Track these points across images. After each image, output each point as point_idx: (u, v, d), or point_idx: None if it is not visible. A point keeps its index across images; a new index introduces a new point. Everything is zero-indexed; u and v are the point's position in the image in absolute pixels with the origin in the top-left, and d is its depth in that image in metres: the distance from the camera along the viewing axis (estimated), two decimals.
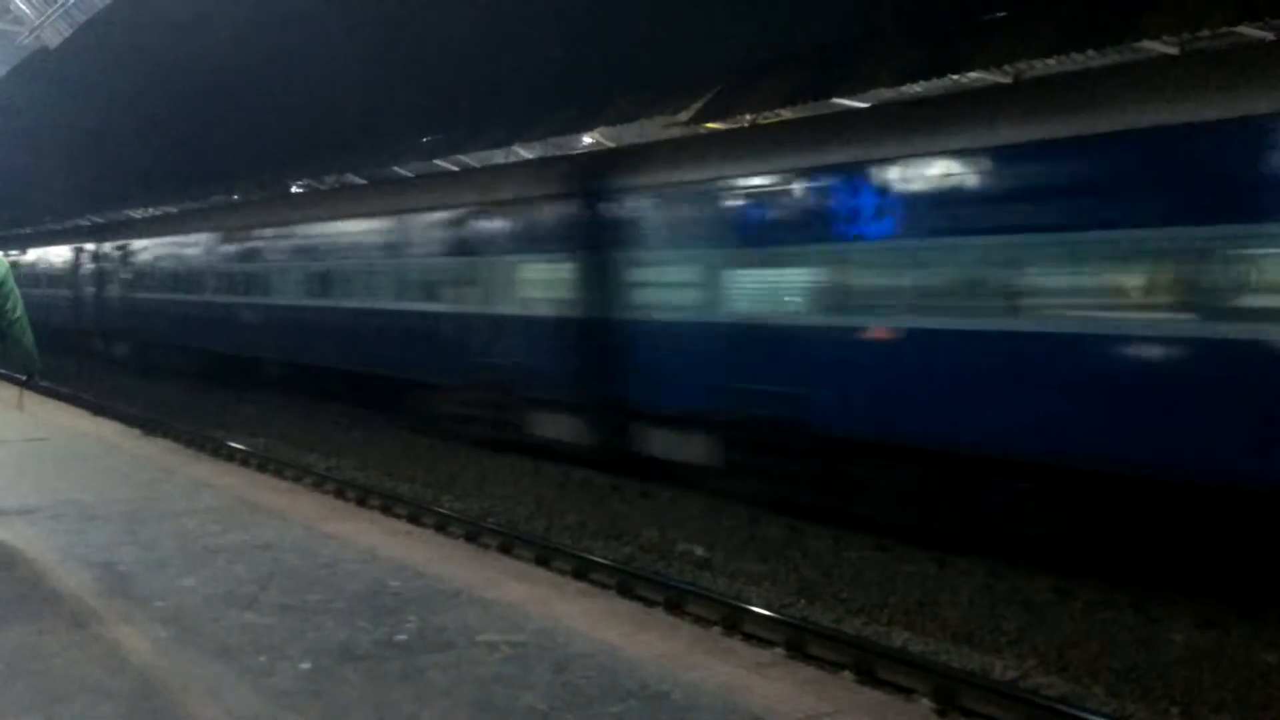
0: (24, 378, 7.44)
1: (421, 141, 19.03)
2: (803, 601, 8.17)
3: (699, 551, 9.08)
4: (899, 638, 7.37)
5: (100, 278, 27.17)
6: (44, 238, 33.97)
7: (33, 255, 33.01)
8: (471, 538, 9.71)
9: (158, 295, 23.72)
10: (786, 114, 12.33)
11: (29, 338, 6.96)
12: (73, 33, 14.05)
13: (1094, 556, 8.34)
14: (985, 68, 11.21)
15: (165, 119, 18.62)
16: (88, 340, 27.91)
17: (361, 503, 10.97)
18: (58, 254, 30.89)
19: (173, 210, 28.01)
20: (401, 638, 4.74)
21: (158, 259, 23.83)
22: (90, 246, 27.97)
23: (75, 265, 29.10)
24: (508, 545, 9.47)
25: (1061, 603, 7.93)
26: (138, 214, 30.03)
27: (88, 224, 32.77)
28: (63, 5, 13.83)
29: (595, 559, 9.02)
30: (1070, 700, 6.22)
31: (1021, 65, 10.76)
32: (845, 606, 8.04)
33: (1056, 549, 8.52)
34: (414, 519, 10.22)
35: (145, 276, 24.50)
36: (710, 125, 13.31)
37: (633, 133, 16.45)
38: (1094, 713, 5.96)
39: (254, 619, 4.97)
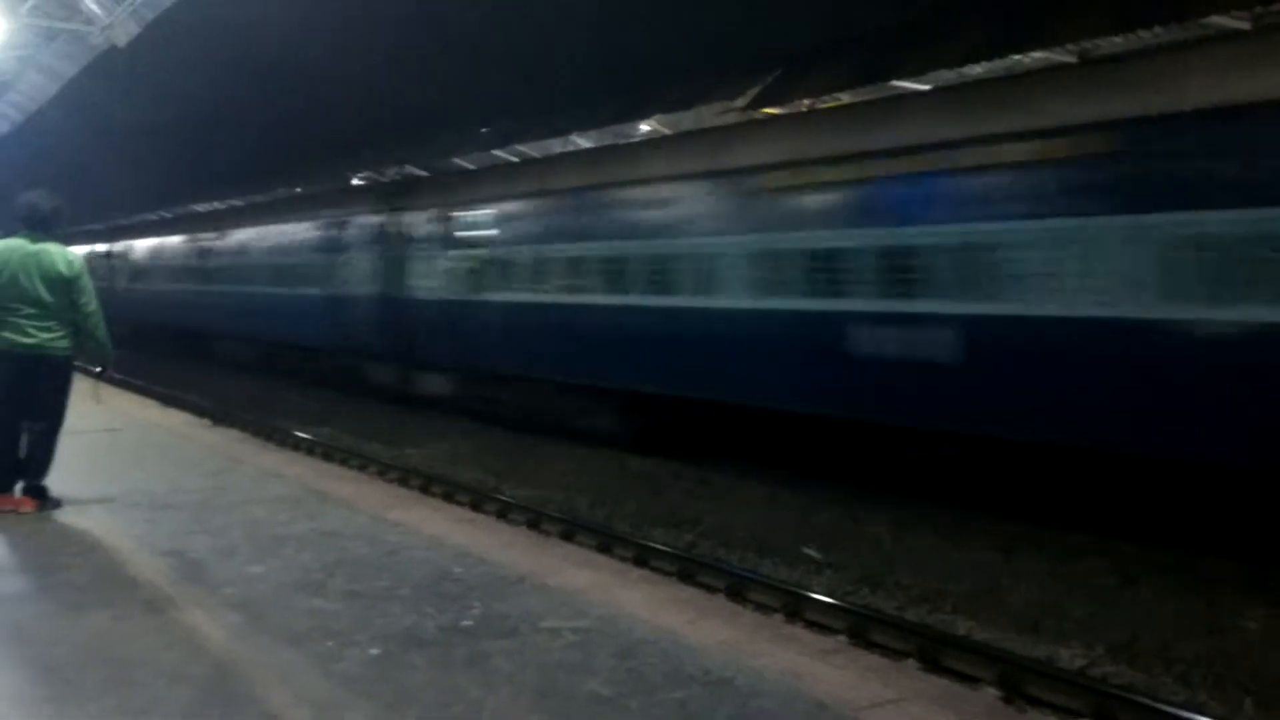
0: (98, 370, 7.62)
1: (480, 132, 19.17)
2: (864, 589, 8.13)
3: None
4: (963, 625, 7.31)
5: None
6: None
7: (142, 248, 31.03)
8: (533, 525, 9.80)
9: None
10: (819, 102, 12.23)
11: (103, 330, 7.13)
12: (141, 31, 14.33)
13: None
14: (1048, 47, 11.01)
15: (231, 114, 18.93)
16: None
17: (424, 490, 11.10)
18: (172, 246, 28.71)
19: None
20: (466, 624, 4.80)
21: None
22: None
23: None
24: (569, 533, 9.53)
25: (1130, 589, 7.81)
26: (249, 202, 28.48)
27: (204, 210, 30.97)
28: (131, 4, 14.11)
29: (656, 546, 9.05)
30: (1139, 689, 6.12)
31: (1086, 44, 10.55)
32: (908, 594, 7.99)
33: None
34: (476, 506, 10.32)
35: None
36: (768, 110, 13.23)
37: (689, 119, 16.40)
38: (1164, 702, 5.86)
39: (322, 605, 5.06)
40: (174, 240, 28.65)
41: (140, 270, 30.98)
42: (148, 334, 29.46)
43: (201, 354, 26.51)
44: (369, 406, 17.97)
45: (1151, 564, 8.14)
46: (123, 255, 32.62)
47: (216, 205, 30.73)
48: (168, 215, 32.35)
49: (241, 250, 24.03)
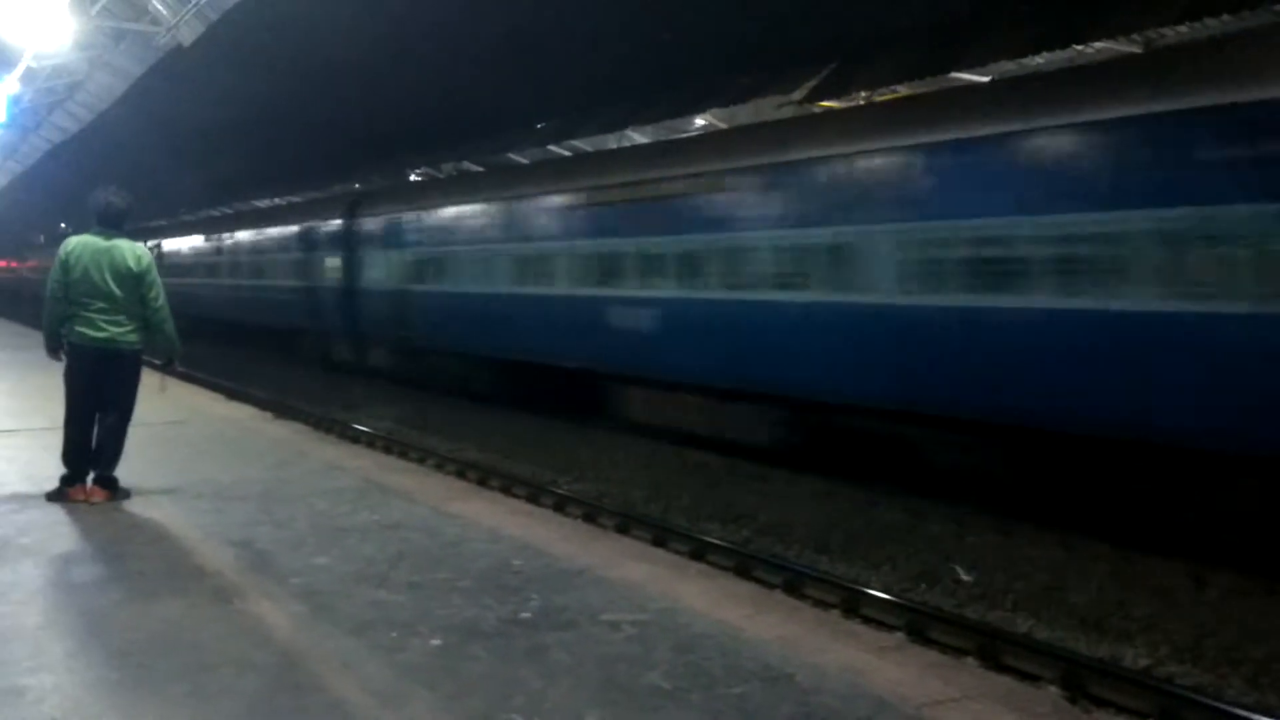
0: (163, 362, 7.78)
1: (536, 128, 19.28)
2: (923, 586, 8.07)
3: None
4: (1024, 623, 7.23)
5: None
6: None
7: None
8: (589, 518, 9.85)
9: None
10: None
11: (170, 325, 7.28)
12: (205, 30, 14.57)
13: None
14: (1112, 37, 10.81)
15: (290, 113, 19.22)
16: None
17: (482, 483, 11.19)
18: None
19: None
20: (526, 616, 4.84)
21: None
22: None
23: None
24: (625, 526, 9.57)
25: (1196, 589, 7.67)
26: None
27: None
28: (195, 4, 14.36)
29: (713, 540, 9.06)
30: (1206, 690, 6.01)
31: (1151, 34, 10.35)
32: (968, 591, 7.92)
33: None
34: (533, 499, 10.40)
35: None
36: (825, 104, 13.15)
37: (747, 112, 16.34)
38: (1232, 704, 5.76)
39: (385, 596, 5.13)
40: (195, 239, 32.79)
41: (169, 265, 33.30)
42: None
43: (217, 339, 28.28)
44: (427, 400, 18.18)
45: (1217, 564, 7.98)
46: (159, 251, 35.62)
47: (227, 210, 34.92)
48: (190, 218, 36.41)
49: (237, 250, 28.58)
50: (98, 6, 16.81)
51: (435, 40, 13.24)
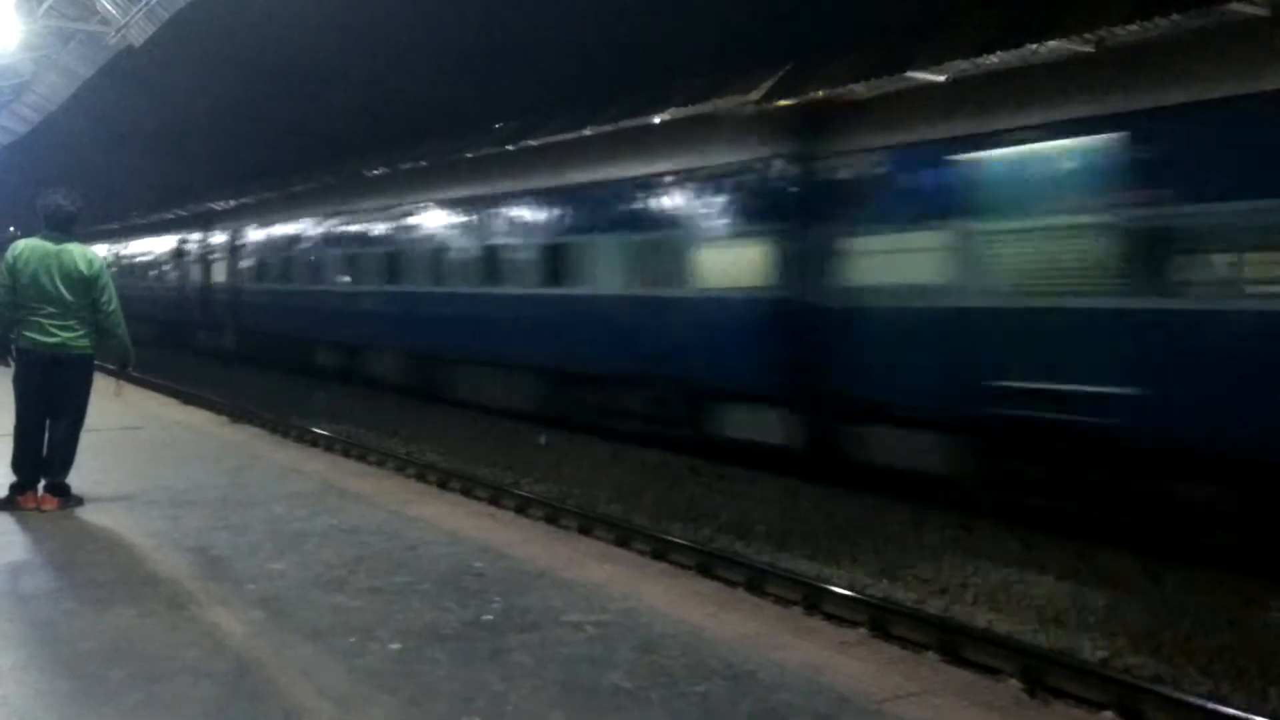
0: (118, 367, 7.65)
1: (494, 127, 19.22)
2: (885, 581, 8.12)
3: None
4: (984, 617, 7.29)
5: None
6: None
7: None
8: (551, 520, 9.80)
9: None
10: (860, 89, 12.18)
11: (123, 329, 7.17)
12: (156, 30, 14.38)
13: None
14: (1065, 36, 10.94)
15: (246, 113, 19.03)
16: None
17: (443, 486, 11.11)
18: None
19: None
20: (487, 618, 4.81)
21: None
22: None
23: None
24: (587, 527, 9.53)
25: (1152, 582, 7.77)
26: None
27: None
28: (145, 4, 14.16)
29: (675, 540, 9.05)
30: (1163, 681, 6.09)
31: (1102, 33, 10.48)
32: (928, 586, 7.96)
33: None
34: (494, 501, 10.33)
35: None
36: (782, 102, 13.20)
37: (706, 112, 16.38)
38: (1187, 693, 5.83)
39: (344, 601, 5.08)
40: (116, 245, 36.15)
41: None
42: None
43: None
44: (384, 402, 18.03)
45: (1173, 557, 8.09)
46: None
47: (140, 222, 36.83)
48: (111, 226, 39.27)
49: (141, 254, 33.09)
50: (44, 6, 16.56)
51: (387, 41, 13.16)
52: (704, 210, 11.59)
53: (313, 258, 21.12)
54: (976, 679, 4.87)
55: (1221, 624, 6.93)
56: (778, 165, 10.82)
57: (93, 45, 17.27)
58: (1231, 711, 5.50)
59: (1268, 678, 6.15)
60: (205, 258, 26.53)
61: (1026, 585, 7.84)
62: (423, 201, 17.36)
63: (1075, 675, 6.05)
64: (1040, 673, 6.08)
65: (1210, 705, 5.59)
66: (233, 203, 30.53)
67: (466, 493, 10.77)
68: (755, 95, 13.06)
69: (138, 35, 14.56)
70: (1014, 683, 6.00)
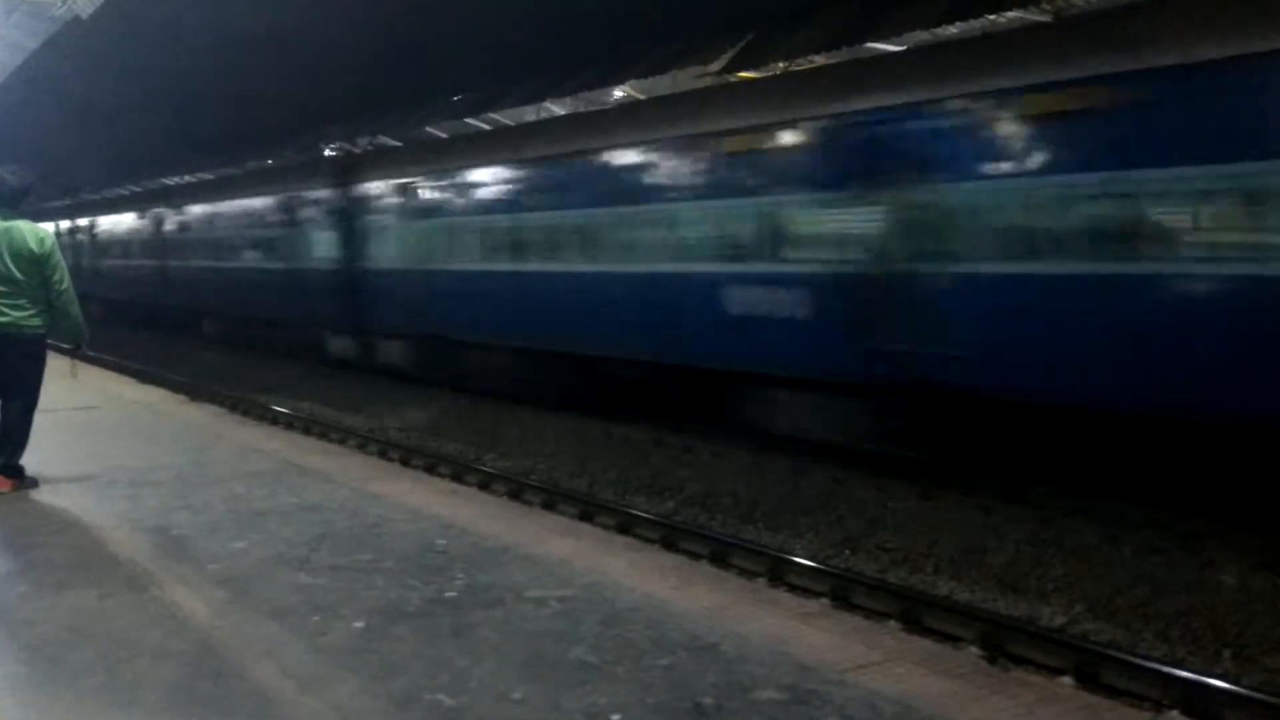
0: (71, 347, 7.51)
1: (452, 100, 19.00)
2: (847, 552, 8.19)
3: None
4: (945, 586, 7.37)
5: None
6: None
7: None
8: (515, 495, 9.80)
9: None
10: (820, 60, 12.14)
11: (76, 308, 7.04)
12: (104, 1, 14.03)
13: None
14: (1024, 6, 10.97)
15: (200, 86, 18.66)
16: None
17: (405, 463, 11.07)
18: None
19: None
20: (451, 595, 4.80)
21: None
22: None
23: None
24: (551, 502, 9.54)
25: (1111, 548, 7.88)
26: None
27: None
28: None
29: (639, 514, 9.07)
30: (1120, 645, 6.20)
31: (1061, 3, 10.52)
32: (890, 556, 8.05)
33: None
34: (457, 478, 10.31)
35: None
36: (743, 75, 13.16)
37: (665, 84, 16.30)
38: (1144, 657, 5.94)
39: (306, 580, 5.04)
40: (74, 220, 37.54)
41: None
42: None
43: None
44: (345, 379, 17.91)
45: (1131, 522, 8.22)
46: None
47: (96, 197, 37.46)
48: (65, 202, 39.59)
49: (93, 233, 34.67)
50: None
51: (345, 12, 12.95)
52: (312, 216, 19.09)
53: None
54: (937, 647, 4.93)
55: (1179, 588, 7.05)
56: (337, 190, 18.31)
57: (37, 17, 16.85)
58: (1186, 674, 5.61)
59: (1222, 640, 6.27)
60: (151, 240, 27.98)
61: (987, 553, 7.94)
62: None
63: (1034, 642, 6.15)
64: (1000, 640, 6.17)
65: (1165, 668, 5.70)
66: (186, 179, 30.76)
67: (430, 470, 10.75)
68: (715, 67, 12.99)
69: (86, 6, 14.23)
70: (974, 650, 6.09)
